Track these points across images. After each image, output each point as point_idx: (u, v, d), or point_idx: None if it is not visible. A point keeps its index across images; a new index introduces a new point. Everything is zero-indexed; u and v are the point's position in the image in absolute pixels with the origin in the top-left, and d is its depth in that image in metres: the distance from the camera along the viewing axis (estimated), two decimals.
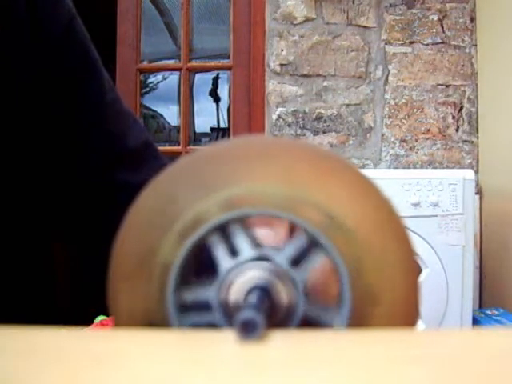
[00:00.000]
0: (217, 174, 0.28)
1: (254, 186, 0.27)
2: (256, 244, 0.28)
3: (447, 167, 1.83)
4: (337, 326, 0.27)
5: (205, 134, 2.84)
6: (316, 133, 1.85)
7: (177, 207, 0.28)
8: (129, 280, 0.28)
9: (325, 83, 1.85)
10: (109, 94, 0.54)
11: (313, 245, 0.27)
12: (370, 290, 0.27)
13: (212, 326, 0.27)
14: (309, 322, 0.27)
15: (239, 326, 0.22)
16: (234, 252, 0.28)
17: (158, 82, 2.74)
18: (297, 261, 0.28)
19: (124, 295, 0.28)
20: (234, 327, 0.22)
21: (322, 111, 1.85)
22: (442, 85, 1.85)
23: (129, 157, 0.54)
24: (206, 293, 0.28)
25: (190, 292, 0.28)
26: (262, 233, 0.31)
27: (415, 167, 1.84)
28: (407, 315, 0.28)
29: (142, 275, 0.28)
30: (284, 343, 0.24)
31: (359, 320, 0.27)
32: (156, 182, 0.29)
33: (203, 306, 0.28)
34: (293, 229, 0.30)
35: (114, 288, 0.29)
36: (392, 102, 1.85)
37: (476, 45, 1.84)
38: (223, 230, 0.28)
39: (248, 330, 0.22)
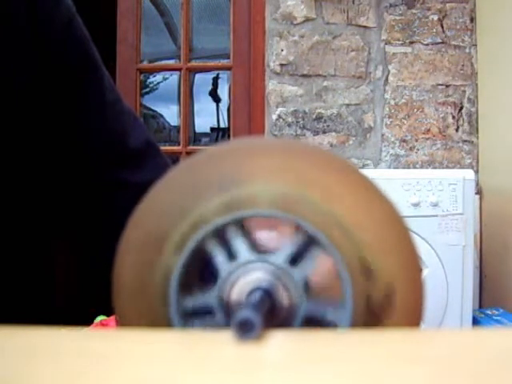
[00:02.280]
0: (212, 177, 0.28)
1: (251, 187, 0.27)
2: (254, 246, 0.28)
3: (447, 167, 1.83)
4: (340, 326, 0.27)
5: (205, 134, 2.84)
6: (316, 133, 1.85)
7: (174, 214, 0.28)
8: (132, 290, 0.28)
9: (325, 83, 1.85)
10: (109, 93, 0.54)
11: (312, 243, 0.27)
12: (372, 290, 0.26)
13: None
14: (312, 322, 0.27)
15: (237, 326, 0.22)
16: (233, 255, 0.28)
17: (158, 82, 2.74)
18: (296, 260, 0.28)
19: (128, 304, 0.28)
20: (232, 327, 0.22)
21: (322, 111, 1.85)
22: (442, 85, 1.85)
23: (130, 156, 0.54)
24: (208, 298, 0.28)
25: (191, 298, 0.28)
26: (262, 234, 0.31)
27: (415, 167, 1.84)
28: (411, 317, 0.28)
29: (144, 284, 0.28)
30: (282, 343, 0.24)
31: (362, 322, 0.27)
32: (153, 192, 0.29)
33: (206, 311, 0.28)
34: (293, 229, 0.30)
35: (118, 299, 0.29)
36: (392, 102, 1.85)
37: (476, 45, 1.84)
38: (222, 234, 0.28)
39: (245, 330, 0.22)
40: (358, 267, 0.26)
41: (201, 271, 0.29)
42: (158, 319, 0.27)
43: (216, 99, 2.73)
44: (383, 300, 0.26)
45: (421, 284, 0.28)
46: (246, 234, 0.28)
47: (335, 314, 0.27)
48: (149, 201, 0.29)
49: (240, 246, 0.28)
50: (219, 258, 0.28)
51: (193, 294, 0.28)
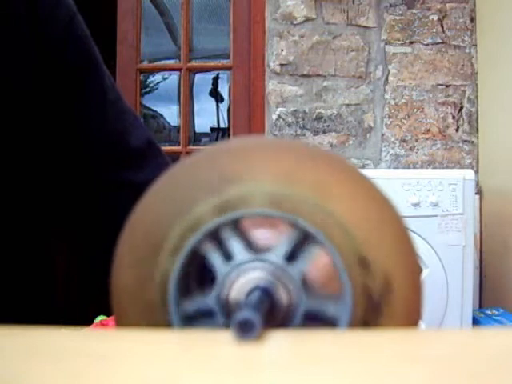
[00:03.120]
0: (208, 178, 0.28)
1: (248, 186, 0.27)
2: (250, 246, 0.28)
3: (447, 167, 1.83)
4: (339, 321, 0.27)
5: (205, 134, 2.84)
6: (316, 133, 1.85)
7: (170, 216, 0.28)
8: (130, 293, 0.28)
9: (325, 83, 1.85)
10: (110, 92, 0.54)
11: (308, 240, 0.27)
12: (370, 290, 0.26)
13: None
14: (312, 319, 0.27)
15: (236, 326, 0.22)
16: (230, 256, 0.28)
17: (158, 82, 2.74)
18: (293, 257, 0.28)
19: (127, 309, 0.28)
20: (232, 327, 0.22)
21: (322, 111, 1.85)
22: (442, 85, 1.85)
23: (132, 156, 0.54)
24: (207, 300, 0.28)
25: (191, 302, 0.28)
26: (258, 233, 0.31)
27: (415, 167, 1.84)
28: (409, 316, 0.28)
29: (142, 287, 0.27)
30: (282, 343, 0.24)
31: (361, 321, 0.26)
32: (149, 194, 0.29)
33: (206, 314, 0.28)
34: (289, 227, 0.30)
35: (116, 303, 0.29)
36: (392, 102, 1.85)
37: (476, 45, 1.84)
38: (217, 235, 0.28)
39: (245, 330, 0.22)
40: (355, 261, 0.26)
41: (199, 273, 0.29)
42: (157, 322, 0.27)
43: (216, 99, 2.73)
44: (382, 289, 0.26)
45: (419, 281, 0.28)
46: (243, 233, 0.28)
47: (335, 308, 0.27)
48: (145, 203, 0.29)
49: (235, 246, 0.28)
50: (216, 260, 0.28)
51: (192, 296, 0.28)
